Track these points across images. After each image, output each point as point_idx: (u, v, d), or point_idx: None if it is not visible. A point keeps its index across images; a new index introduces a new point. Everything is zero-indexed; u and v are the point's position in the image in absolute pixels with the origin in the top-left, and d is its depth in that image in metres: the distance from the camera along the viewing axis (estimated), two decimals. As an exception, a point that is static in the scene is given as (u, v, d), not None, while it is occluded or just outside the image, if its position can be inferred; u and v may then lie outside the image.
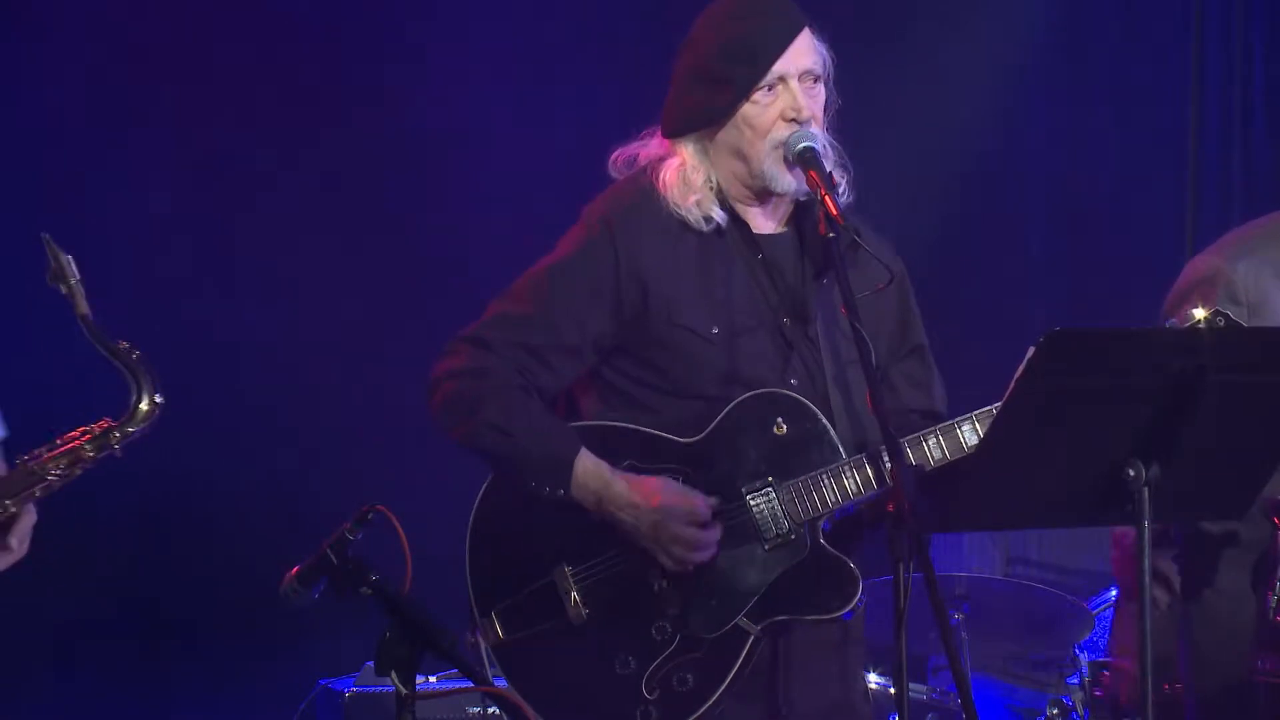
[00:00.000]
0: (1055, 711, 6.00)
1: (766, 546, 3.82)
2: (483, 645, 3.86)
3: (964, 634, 5.76)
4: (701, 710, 3.79)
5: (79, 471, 3.69)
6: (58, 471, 3.67)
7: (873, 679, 5.94)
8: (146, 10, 6.70)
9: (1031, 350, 3.45)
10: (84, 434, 3.68)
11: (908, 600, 3.56)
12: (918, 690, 6.09)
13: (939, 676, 6.54)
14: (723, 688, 3.78)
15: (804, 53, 3.89)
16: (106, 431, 3.67)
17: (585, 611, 3.84)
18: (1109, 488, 3.50)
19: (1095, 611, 6.17)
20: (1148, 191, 7.84)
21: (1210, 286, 4.24)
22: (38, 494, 3.68)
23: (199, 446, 6.55)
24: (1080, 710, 6.02)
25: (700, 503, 3.81)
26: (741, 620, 3.80)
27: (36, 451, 3.69)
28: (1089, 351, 3.45)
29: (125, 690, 6.64)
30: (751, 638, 3.80)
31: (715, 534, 3.80)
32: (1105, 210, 7.86)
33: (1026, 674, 7.01)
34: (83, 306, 3.57)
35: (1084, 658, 6.14)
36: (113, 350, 3.64)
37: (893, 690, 5.74)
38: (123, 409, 3.68)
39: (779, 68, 3.87)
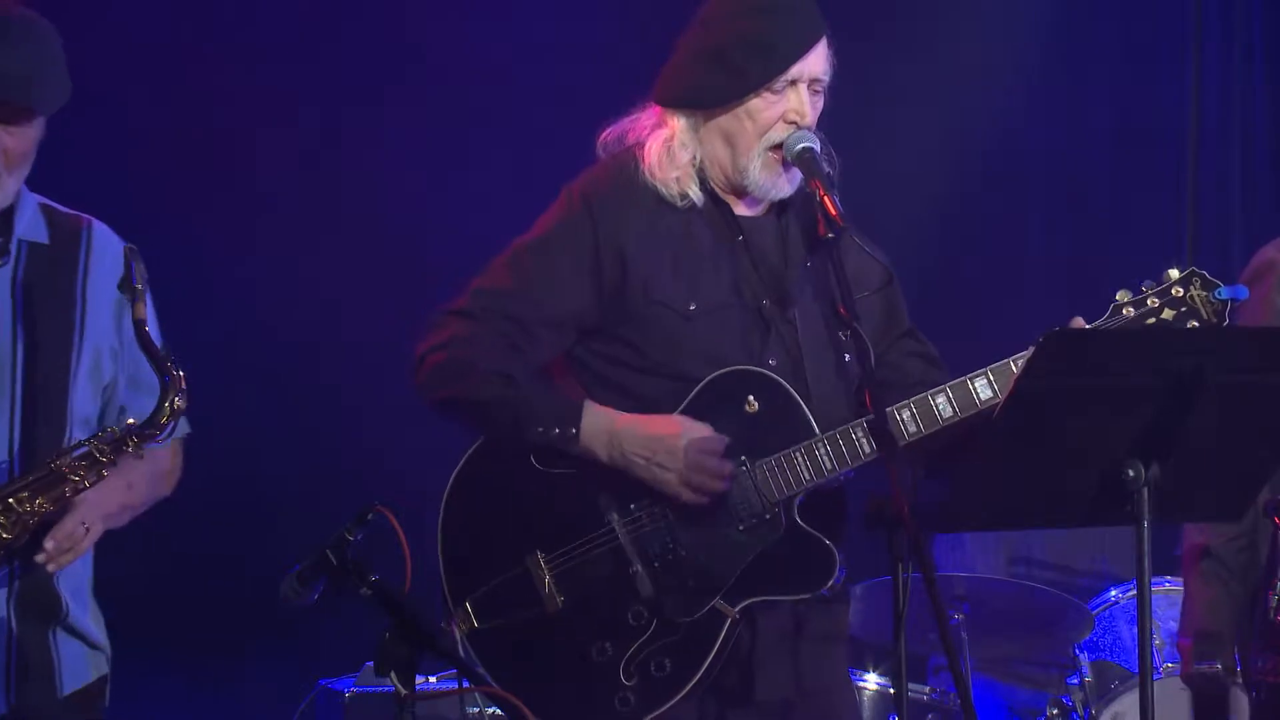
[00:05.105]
0: (1055, 711, 6.01)
1: (741, 527, 3.81)
2: (457, 634, 3.85)
3: (964, 634, 5.76)
4: (680, 695, 3.78)
5: (104, 474, 3.72)
6: (80, 473, 3.71)
7: (873, 679, 5.95)
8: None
9: (1031, 350, 3.45)
10: (101, 438, 3.72)
11: (907, 600, 3.56)
12: (918, 690, 6.09)
13: (939, 676, 6.54)
14: (701, 671, 3.77)
15: (818, 60, 3.90)
16: (122, 438, 3.71)
17: (560, 598, 3.83)
18: (1109, 488, 3.50)
19: (1095, 611, 6.18)
20: (1148, 191, 7.84)
21: (1266, 275, 4.34)
22: (68, 494, 3.72)
23: (197, 447, 6.53)
24: (1080, 710, 6.03)
25: (716, 435, 3.79)
26: (718, 603, 3.79)
27: (61, 451, 3.73)
28: (1089, 351, 3.45)
29: (124, 690, 6.62)
30: (729, 620, 3.78)
31: (731, 466, 3.78)
32: (1105, 210, 7.86)
33: (1026, 674, 7.01)
34: (141, 311, 3.67)
35: (1084, 658, 6.14)
36: (155, 358, 3.71)
37: (893, 690, 5.75)
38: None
39: (794, 71, 3.87)
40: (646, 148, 3.95)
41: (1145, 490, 3.48)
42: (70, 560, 3.77)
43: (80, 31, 6.59)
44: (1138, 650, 3.50)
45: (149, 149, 6.67)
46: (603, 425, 3.82)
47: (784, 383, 3.83)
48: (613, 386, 3.90)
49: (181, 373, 3.73)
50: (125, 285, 3.71)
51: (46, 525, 3.73)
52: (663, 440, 3.78)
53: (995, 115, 7.74)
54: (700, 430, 3.79)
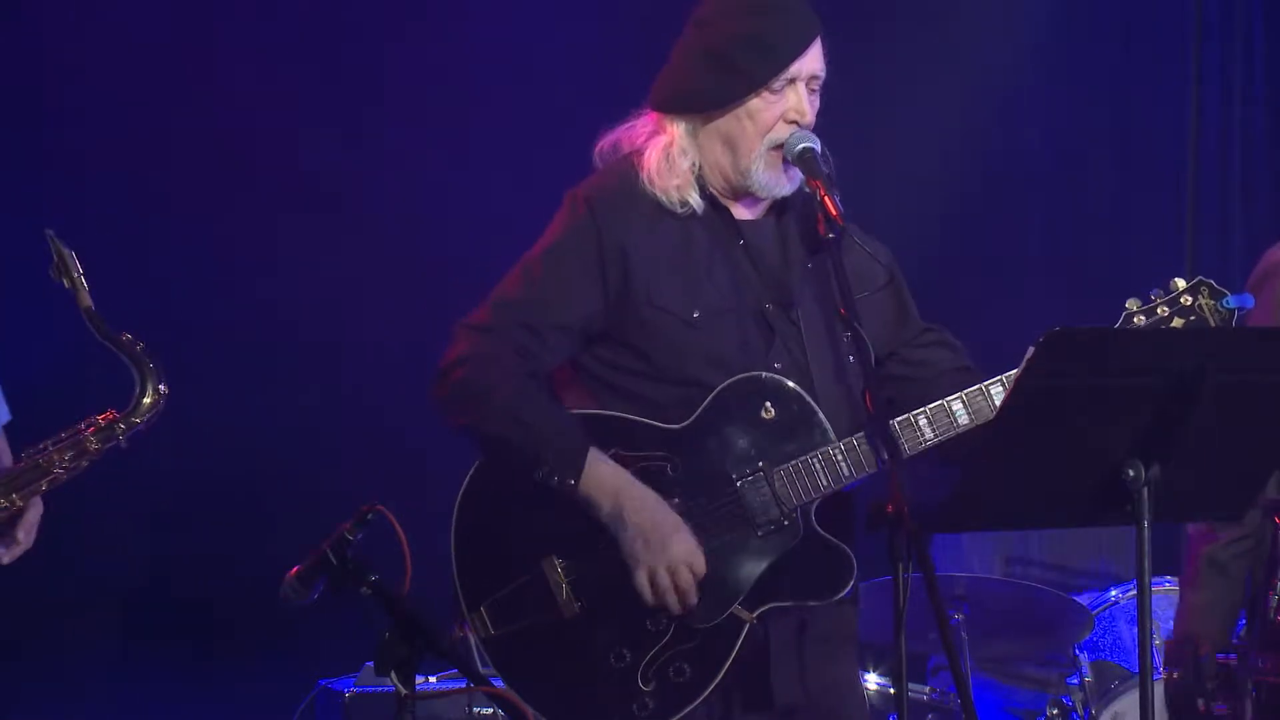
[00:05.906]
0: (1055, 711, 6.01)
1: (760, 533, 3.81)
2: (472, 640, 3.84)
3: (964, 634, 5.76)
4: (698, 700, 3.77)
5: (85, 464, 3.71)
6: (63, 465, 3.68)
7: (873, 679, 5.95)
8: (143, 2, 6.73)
9: (1031, 350, 3.45)
10: (88, 426, 3.70)
11: (907, 600, 3.56)
12: (918, 690, 6.09)
13: (939, 676, 6.54)
14: (719, 677, 3.76)
15: (816, 58, 3.90)
16: (111, 424, 3.69)
17: (577, 604, 3.81)
18: (1109, 488, 3.50)
19: (1095, 612, 6.17)
20: (1147, 191, 7.84)
21: (1273, 277, 4.36)
22: (44, 487, 3.70)
23: (197, 447, 6.55)
24: (1080, 710, 6.03)
25: (703, 558, 3.79)
26: (736, 609, 3.78)
27: (42, 445, 3.71)
28: (1089, 351, 3.45)
29: (124, 690, 6.64)
30: (747, 626, 3.78)
31: (696, 601, 3.77)
32: (1105, 210, 7.86)
33: (1026, 674, 7.01)
34: (86, 300, 3.61)
35: (1084, 658, 6.14)
36: (116, 343, 3.67)
37: (893, 690, 5.75)
38: (126, 401, 3.70)
39: (794, 69, 3.86)
40: (645, 155, 3.93)
41: (1145, 490, 3.47)
42: (20, 553, 3.75)
43: (80, 31, 6.65)
44: (1138, 650, 3.50)
45: (149, 149, 6.67)
46: (610, 483, 3.79)
47: (800, 390, 3.83)
48: (621, 394, 3.89)
49: (151, 363, 3.69)
50: (63, 272, 3.63)
51: None
52: (662, 530, 3.76)
53: (995, 115, 7.74)
54: (695, 545, 3.77)
